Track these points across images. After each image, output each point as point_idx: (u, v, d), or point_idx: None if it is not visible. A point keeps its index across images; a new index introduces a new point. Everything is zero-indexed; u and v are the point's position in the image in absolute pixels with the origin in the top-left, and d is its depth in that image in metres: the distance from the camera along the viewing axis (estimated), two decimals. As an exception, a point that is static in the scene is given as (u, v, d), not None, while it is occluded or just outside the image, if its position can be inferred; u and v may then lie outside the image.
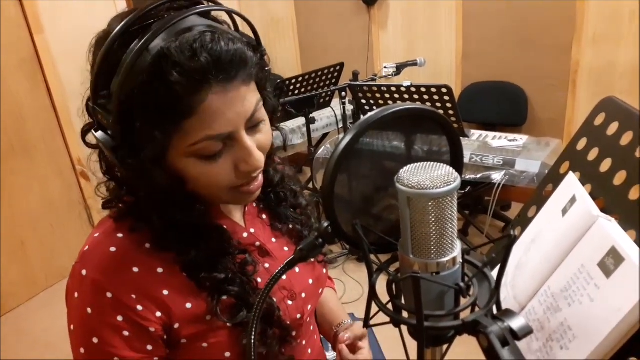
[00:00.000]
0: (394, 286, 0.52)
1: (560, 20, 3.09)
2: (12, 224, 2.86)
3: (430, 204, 0.46)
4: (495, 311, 0.51)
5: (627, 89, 2.95)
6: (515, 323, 0.45)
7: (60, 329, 2.77)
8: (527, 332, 0.44)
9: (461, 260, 0.50)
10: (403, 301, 0.54)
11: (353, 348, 1.01)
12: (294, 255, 0.54)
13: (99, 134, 0.68)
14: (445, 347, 0.54)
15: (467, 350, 0.76)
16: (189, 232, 0.77)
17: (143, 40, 0.62)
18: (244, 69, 0.68)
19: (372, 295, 0.51)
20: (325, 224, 0.52)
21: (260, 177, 0.78)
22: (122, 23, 0.64)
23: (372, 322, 0.55)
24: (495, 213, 3.11)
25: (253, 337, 0.52)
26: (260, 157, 0.73)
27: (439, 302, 0.50)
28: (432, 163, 0.49)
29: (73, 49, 3.00)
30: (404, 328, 0.53)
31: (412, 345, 0.53)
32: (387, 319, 0.52)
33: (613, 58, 2.97)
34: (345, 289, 2.79)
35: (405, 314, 0.52)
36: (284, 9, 4.24)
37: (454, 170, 0.48)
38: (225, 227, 0.83)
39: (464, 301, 0.51)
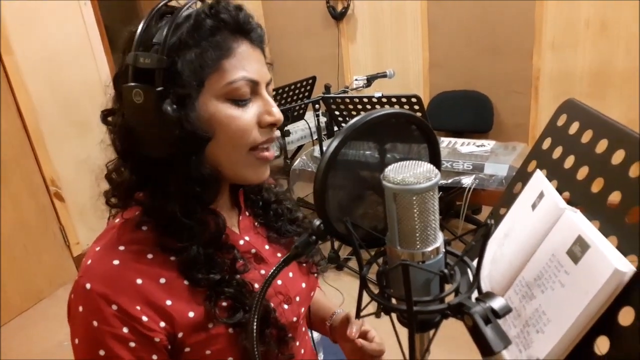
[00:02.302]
0: (382, 277, 0.56)
1: (520, 29, 3.19)
2: (-15, 247, 2.80)
3: (414, 198, 0.51)
4: (477, 294, 0.55)
5: (587, 92, 3.06)
6: (496, 303, 0.49)
7: (38, 353, 2.72)
8: (507, 310, 0.49)
9: (444, 250, 0.55)
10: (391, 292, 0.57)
11: (363, 336, 1.03)
12: (290, 252, 0.58)
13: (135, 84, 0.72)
14: (432, 332, 0.58)
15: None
16: (192, 217, 0.79)
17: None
18: (264, 45, 0.83)
19: (364, 286, 0.55)
20: (317, 222, 0.56)
21: (273, 151, 0.84)
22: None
23: (363, 313, 0.59)
24: (466, 217, 3.17)
25: (255, 328, 0.55)
26: (280, 112, 0.81)
27: (425, 289, 0.54)
28: (414, 161, 0.53)
29: (43, 70, 2.98)
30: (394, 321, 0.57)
31: (402, 335, 0.57)
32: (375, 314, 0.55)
33: (571, 64, 3.08)
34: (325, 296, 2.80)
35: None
36: (253, 25, 4.28)
37: (434, 167, 0.52)
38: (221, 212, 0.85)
39: (448, 288, 0.55)
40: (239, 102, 0.77)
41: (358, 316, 0.58)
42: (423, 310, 0.53)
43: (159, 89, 0.70)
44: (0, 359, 2.67)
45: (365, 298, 0.58)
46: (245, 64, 0.77)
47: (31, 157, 3.01)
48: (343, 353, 1.08)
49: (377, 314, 0.57)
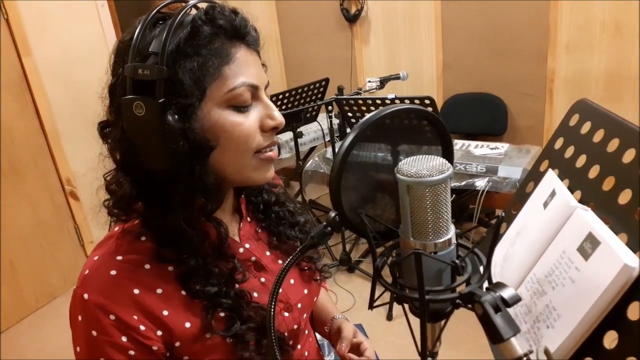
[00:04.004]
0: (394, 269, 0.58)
1: (534, 31, 3.17)
2: (2, 245, 2.84)
3: (427, 190, 0.52)
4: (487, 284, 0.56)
5: (602, 95, 3.04)
6: (506, 292, 0.51)
7: (52, 350, 2.75)
8: (516, 300, 0.50)
9: (455, 242, 0.56)
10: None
11: (356, 349, 1.03)
12: (306, 242, 0.59)
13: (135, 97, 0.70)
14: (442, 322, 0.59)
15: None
16: (195, 227, 0.79)
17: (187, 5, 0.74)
18: (259, 48, 0.81)
19: (377, 276, 0.57)
20: (333, 214, 0.58)
21: (277, 151, 0.84)
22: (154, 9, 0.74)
23: (375, 304, 0.60)
24: (479, 220, 3.16)
25: (273, 332, 0.57)
26: (281, 115, 0.81)
27: (437, 279, 0.56)
28: (427, 155, 0.55)
29: (60, 71, 3.02)
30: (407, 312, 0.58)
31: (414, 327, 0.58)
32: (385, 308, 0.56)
33: (587, 66, 3.05)
34: (337, 299, 2.82)
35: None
36: (268, 27, 4.29)
37: (446, 161, 0.54)
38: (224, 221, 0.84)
39: (459, 279, 0.57)
40: (241, 108, 0.76)
41: (371, 306, 0.60)
42: (435, 299, 0.54)
43: (161, 100, 0.69)
44: (15, 356, 2.71)
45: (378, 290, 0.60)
46: (244, 69, 0.76)
47: (48, 157, 3.06)
48: None
49: (388, 316, 0.59)
